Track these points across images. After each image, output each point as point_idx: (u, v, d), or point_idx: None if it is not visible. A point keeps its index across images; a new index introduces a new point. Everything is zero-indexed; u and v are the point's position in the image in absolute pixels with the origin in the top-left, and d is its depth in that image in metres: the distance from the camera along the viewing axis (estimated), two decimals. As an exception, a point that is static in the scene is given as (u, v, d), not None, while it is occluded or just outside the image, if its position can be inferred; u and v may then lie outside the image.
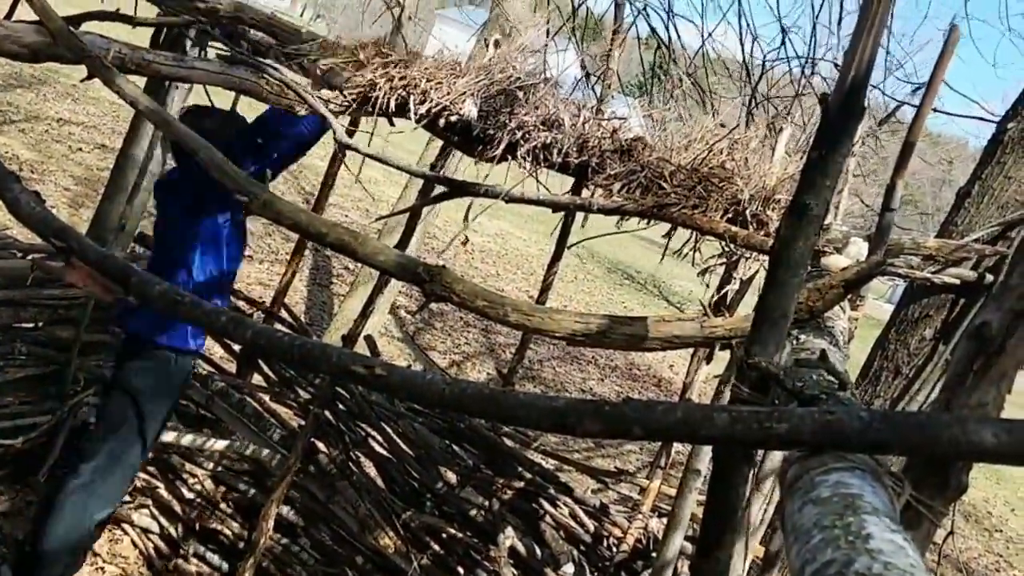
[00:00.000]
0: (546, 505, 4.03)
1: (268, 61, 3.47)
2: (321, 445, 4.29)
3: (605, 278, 18.50)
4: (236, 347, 5.05)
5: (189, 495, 4.47)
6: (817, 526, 0.84)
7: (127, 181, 4.65)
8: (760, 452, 2.04)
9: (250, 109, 4.08)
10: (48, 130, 11.26)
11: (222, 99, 3.92)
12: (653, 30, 6.86)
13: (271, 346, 1.20)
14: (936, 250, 3.19)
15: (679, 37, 6.93)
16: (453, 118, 3.34)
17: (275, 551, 4.25)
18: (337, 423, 4.27)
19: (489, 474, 4.09)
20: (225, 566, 4.33)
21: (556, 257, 4.23)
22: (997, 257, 3.28)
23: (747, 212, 2.88)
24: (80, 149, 11.03)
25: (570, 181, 3.50)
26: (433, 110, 3.33)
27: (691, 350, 3.73)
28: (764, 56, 6.52)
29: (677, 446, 5.78)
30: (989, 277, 3.24)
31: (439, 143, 4.06)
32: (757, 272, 3.14)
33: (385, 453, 4.29)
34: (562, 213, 3.67)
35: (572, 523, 4.01)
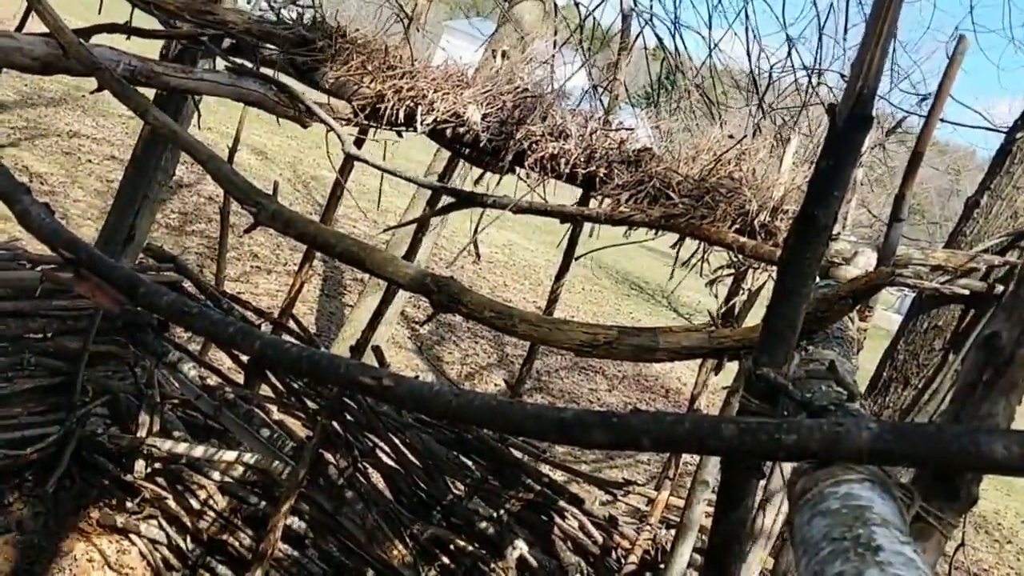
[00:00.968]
0: (554, 517, 4.02)
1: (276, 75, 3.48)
2: (329, 456, 4.29)
3: (613, 289, 18.48)
4: (244, 358, 5.05)
5: (197, 506, 4.47)
6: (826, 538, 0.84)
7: (136, 192, 4.67)
8: (769, 463, 2.04)
9: (259, 120, 4.09)
10: (59, 142, 11.32)
11: (231, 110, 3.94)
12: (660, 40, 6.87)
13: (279, 357, 1.20)
14: (945, 260, 3.18)
15: (685, 48, 6.93)
16: (461, 129, 3.35)
17: (283, 562, 4.25)
18: (345, 434, 4.26)
19: (497, 485, 4.08)
20: (233, 577, 4.33)
21: (564, 268, 4.23)
22: (1007, 267, 3.27)
23: (755, 223, 2.87)
24: (90, 161, 11.08)
25: (578, 192, 3.51)
26: (440, 120, 3.34)
27: (699, 361, 3.72)
28: (771, 67, 6.53)
29: (686, 457, 5.77)
30: (999, 287, 3.22)
31: (447, 154, 4.07)
32: (765, 283, 3.14)
33: (393, 464, 4.28)
34: (570, 224, 3.67)
35: (580, 535, 4.00)
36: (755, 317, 2.04)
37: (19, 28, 3.84)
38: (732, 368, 2.63)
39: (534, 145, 3.29)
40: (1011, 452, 0.82)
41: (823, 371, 1.40)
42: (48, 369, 4.53)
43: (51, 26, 2.77)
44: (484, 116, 3.38)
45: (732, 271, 3.32)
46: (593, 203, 3.41)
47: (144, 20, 3.84)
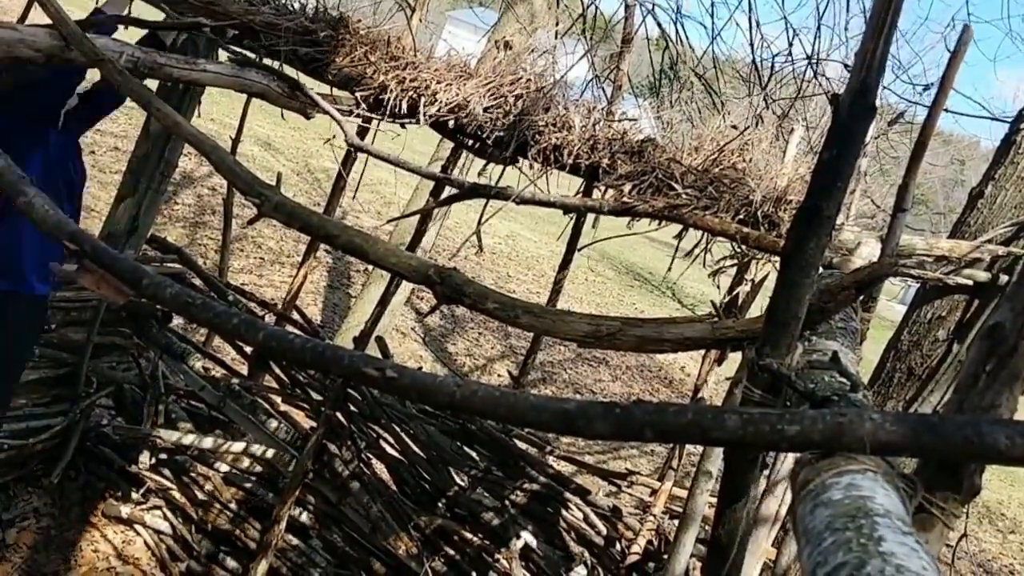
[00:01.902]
0: (559, 508, 4.03)
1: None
2: (333, 447, 4.30)
3: (616, 280, 18.47)
4: (248, 349, 5.06)
5: (202, 497, 4.48)
6: (829, 529, 0.84)
7: (140, 184, 4.67)
8: (772, 454, 2.04)
9: (261, 111, 4.08)
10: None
11: (234, 101, 3.94)
12: (662, 30, 6.85)
13: (283, 348, 1.21)
14: (949, 251, 3.18)
15: (687, 38, 6.91)
16: (464, 120, 3.34)
17: (287, 552, 4.26)
18: (349, 425, 4.27)
19: (501, 476, 4.09)
20: (237, 567, 4.34)
21: (567, 259, 4.23)
22: (1011, 258, 3.26)
23: (758, 213, 2.87)
24: (93, 152, 11.08)
25: (580, 183, 3.50)
26: (442, 111, 3.33)
27: (703, 352, 3.72)
28: (773, 57, 6.50)
29: (690, 447, 5.77)
30: (1003, 278, 3.22)
31: (450, 145, 4.07)
32: (768, 274, 3.13)
33: (397, 455, 4.29)
34: (573, 215, 3.66)
35: (584, 525, 4.00)
36: (758, 308, 2.04)
37: (22, 19, 3.84)
38: (735, 359, 2.63)
39: (537, 136, 3.29)
40: (1014, 442, 0.82)
41: (826, 362, 1.40)
42: (52, 360, 4.55)
43: (54, 17, 2.77)
44: (487, 107, 3.37)
45: (735, 262, 3.32)
46: (596, 194, 3.41)
47: (144, 11, 3.84)
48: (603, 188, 3.27)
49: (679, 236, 3.24)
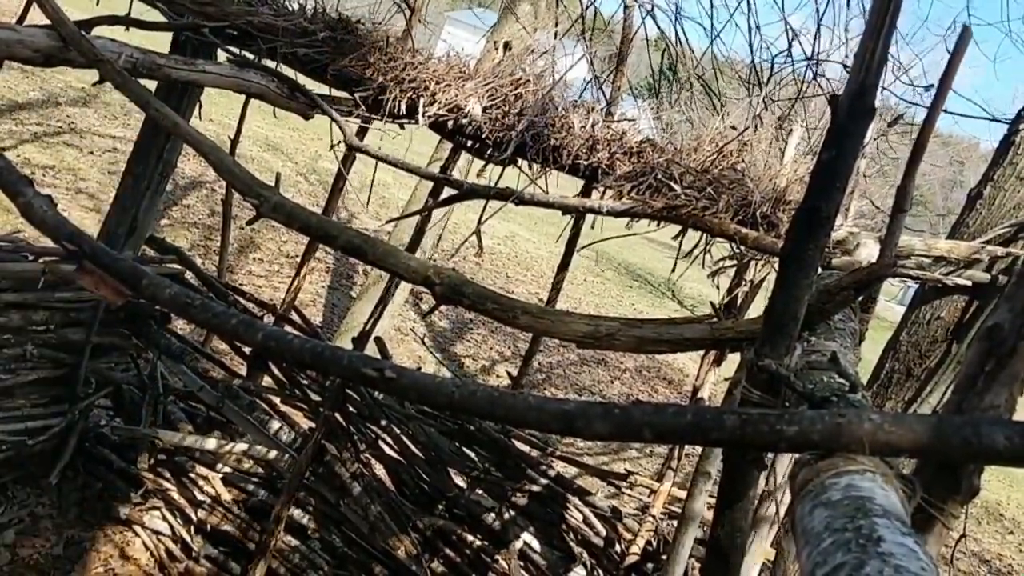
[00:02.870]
0: (559, 509, 4.03)
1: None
2: (332, 448, 4.30)
3: (615, 280, 18.46)
4: (247, 350, 5.06)
5: (201, 497, 4.48)
6: (828, 529, 0.84)
7: (139, 184, 4.67)
8: (771, 454, 2.04)
9: (260, 111, 4.09)
10: (60, 132, 11.32)
11: (233, 102, 3.93)
12: (661, 31, 6.86)
13: (282, 349, 1.21)
14: (948, 252, 3.18)
15: (686, 39, 6.92)
16: (463, 120, 3.35)
17: (286, 553, 4.26)
18: (348, 425, 4.27)
19: (500, 477, 4.09)
20: (236, 568, 4.34)
21: (566, 259, 4.23)
22: (1009, 258, 3.27)
23: (757, 214, 2.87)
24: (92, 153, 11.08)
25: (580, 183, 3.50)
26: (441, 112, 3.33)
27: (702, 352, 3.72)
28: (772, 58, 6.50)
29: (689, 448, 5.77)
30: (1002, 279, 3.22)
31: (450, 145, 4.07)
32: (768, 274, 3.13)
33: (396, 456, 4.29)
34: (572, 215, 3.66)
35: (583, 526, 4.00)
36: (757, 309, 2.03)
37: (20, 20, 3.83)
38: (734, 359, 2.63)
39: (536, 136, 3.29)
40: (1013, 443, 0.82)
41: (825, 362, 1.40)
42: (51, 361, 4.54)
43: (52, 18, 2.77)
44: (486, 108, 3.37)
45: (734, 262, 3.32)
46: (595, 194, 3.41)
47: (144, 12, 3.84)
48: (602, 189, 3.27)
49: (679, 237, 3.24)
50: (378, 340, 4.65)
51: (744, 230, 2.85)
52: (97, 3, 4.03)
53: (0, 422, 4.38)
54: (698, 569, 3.63)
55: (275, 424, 4.53)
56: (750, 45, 6.26)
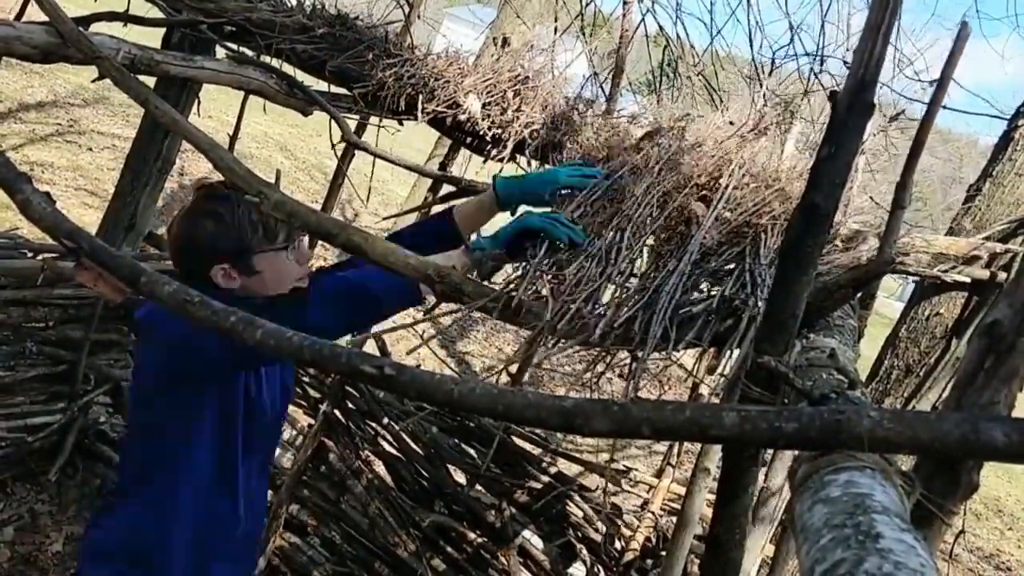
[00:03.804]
0: (559, 506, 4.03)
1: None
2: (331, 444, 4.30)
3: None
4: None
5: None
6: (827, 525, 0.84)
7: (137, 181, 4.66)
8: (770, 451, 2.04)
9: (259, 108, 4.08)
10: (60, 132, 11.31)
11: (232, 98, 3.92)
12: (661, 27, 6.85)
13: (281, 346, 1.20)
14: (947, 248, 3.18)
15: (687, 35, 6.92)
16: (461, 117, 3.34)
17: (285, 550, 4.26)
18: (347, 421, 4.27)
19: (499, 473, 4.09)
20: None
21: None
22: (1009, 255, 3.26)
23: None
24: (90, 149, 11.07)
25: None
26: (440, 108, 3.33)
27: (700, 348, 3.71)
28: (773, 53, 6.50)
29: (688, 445, 5.77)
30: (1001, 275, 3.22)
31: (449, 142, 4.06)
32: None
33: (395, 452, 4.29)
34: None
35: (583, 523, 4.00)
36: (756, 305, 2.02)
37: (18, 16, 3.83)
38: (733, 356, 2.63)
39: (535, 133, 3.28)
40: (1012, 440, 0.82)
41: (824, 359, 1.40)
42: (50, 357, 4.54)
43: (50, 14, 2.76)
44: (485, 104, 3.37)
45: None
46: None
47: (143, 8, 3.83)
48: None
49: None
50: (377, 337, 4.65)
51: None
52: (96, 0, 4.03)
53: (-1, 419, 4.39)
54: (697, 565, 3.63)
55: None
56: (751, 42, 6.26)
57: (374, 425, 4.30)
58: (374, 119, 3.63)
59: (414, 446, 4.22)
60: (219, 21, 3.62)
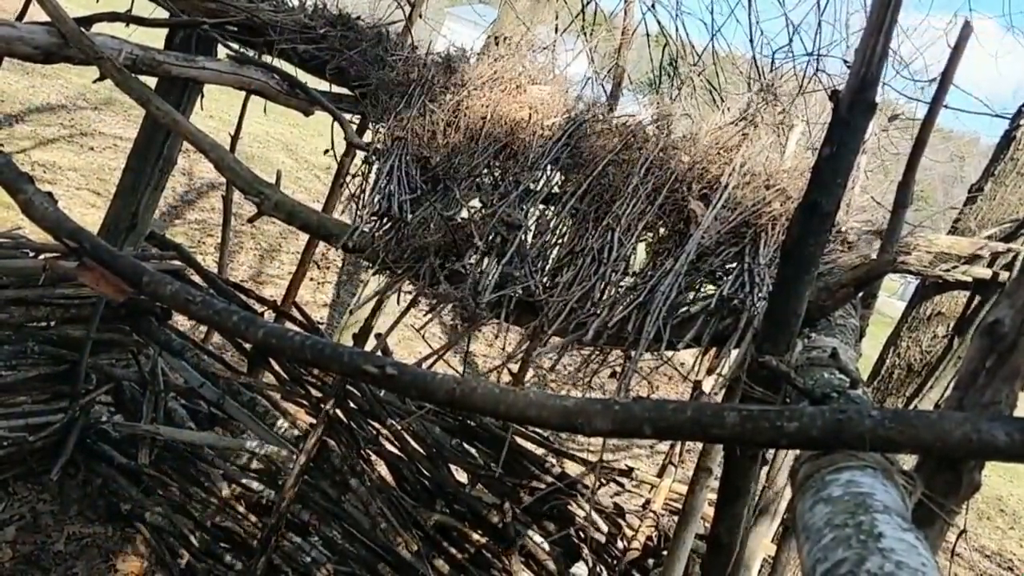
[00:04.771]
0: (562, 506, 4.03)
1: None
2: (332, 443, 4.30)
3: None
4: (247, 346, 5.06)
5: (201, 493, 4.48)
6: (829, 525, 0.84)
7: (139, 181, 4.67)
8: (772, 450, 2.04)
9: (260, 108, 4.08)
10: (65, 131, 11.32)
11: (234, 98, 3.92)
12: (661, 27, 6.85)
13: (282, 346, 1.21)
14: (949, 247, 3.18)
15: (687, 34, 6.92)
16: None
17: (287, 549, 4.26)
18: (348, 421, 4.27)
19: (501, 473, 4.09)
20: (237, 564, 4.35)
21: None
22: (1011, 254, 3.26)
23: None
24: (92, 149, 11.07)
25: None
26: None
27: (702, 348, 3.71)
28: (773, 53, 6.49)
29: (690, 444, 5.77)
30: (1003, 274, 3.22)
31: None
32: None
33: (396, 451, 4.29)
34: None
35: (585, 523, 4.00)
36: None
37: (20, 17, 3.83)
38: (735, 355, 2.63)
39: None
40: (1013, 439, 0.82)
41: (825, 358, 1.40)
42: (52, 357, 4.55)
43: (52, 15, 2.76)
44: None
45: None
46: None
47: (145, 8, 3.83)
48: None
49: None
50: (378, 336, 4.65)
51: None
52: (98, 0, 4.03)
53: (1, 418, 4.39)
54: (699, 565, 3.63)
55: (276, 421, 4.54)
56: (751, 41, 6.25)
57: (376, 425, 4.30)
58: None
59: (416, 445, 4.22)
60: (221, 21, 3.63)
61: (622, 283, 2.04)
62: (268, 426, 4.49)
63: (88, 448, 4.79)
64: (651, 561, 3.85)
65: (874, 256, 2.28)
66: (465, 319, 2.21)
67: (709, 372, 3.40)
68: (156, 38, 3.87)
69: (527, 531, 3.97)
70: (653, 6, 6.54)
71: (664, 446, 8.55)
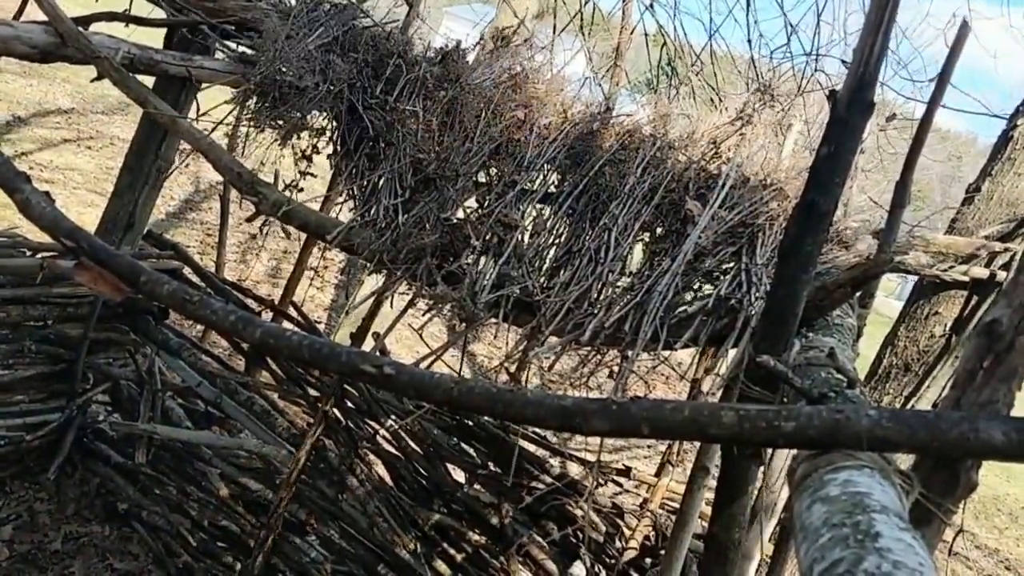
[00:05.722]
0: (558, 505, 4.02)
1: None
2: (329, 443, 4.29)
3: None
4: (245, 345, 5.05)
5: (199, 493, 4.48)
6: (826, 524, 0.84)
7: (136, 180, 4.66)
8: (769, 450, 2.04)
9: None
10: (57, 126, 11.30)
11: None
12: (660, 26, 6.85)
13: (280, 345, 1.21)
14: (946, 247, 3.18)
15: (685, 34, 6.92)
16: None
17: (284, 548, 4.26)
18: (346, 420, 4.27)
19: (498, 472, 4.09)
20: (234, 563, 4.34)
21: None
22: (1008, 254, 3.27)
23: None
24: (89, 148, 11.06)
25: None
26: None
27: (699, 347, 3.71)
28: (771, 52, 6.50)
29: (687, 444, 5.77)
30: (1001, 274, 3.23)
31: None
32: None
33: (394, 451, 4.29)
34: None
35: (583, 523, 4.00)
36: (755, 304, 2.02)
37: (17, 16, 3.83)
38: (732, 355, 2.63)
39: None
40: (1011, 438, 0.82)
41: (823, 358, 1.40)
42: (49, 356, 4.54)
43: (49, 14, 2.76)
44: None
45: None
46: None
47: (143, 8, 3.83)
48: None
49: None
50: (376, 335, 4.65)
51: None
52: (97, 0, 4.02)
53: (-2, 418, 4.39)
54: (696, 564, 3.63)
55: (273, 420, 4.53)
56: (749, 41, 6.26)
57: (373, 424, 4.30)
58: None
59: (413, 445, 4.21)
60: (219, 21, 3.62)
61: (619, 283, 2.04)
62: (266, 425, 4.49)
63: (85, 447, 4.79)
64: (648, 560, 3.85)
65: (872, 256, 2.28)
66: (463, 319, 2.21)
67: (706, 372, 3.40)
68: (155, 38, 3.86)
69: (525, 531, 3.97)
70: (651, 6, 6.55)
71: (663, 445, 8.55)
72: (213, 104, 3.63)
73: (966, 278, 3.31)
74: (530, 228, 2.57)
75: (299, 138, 3.30)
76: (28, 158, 9.66)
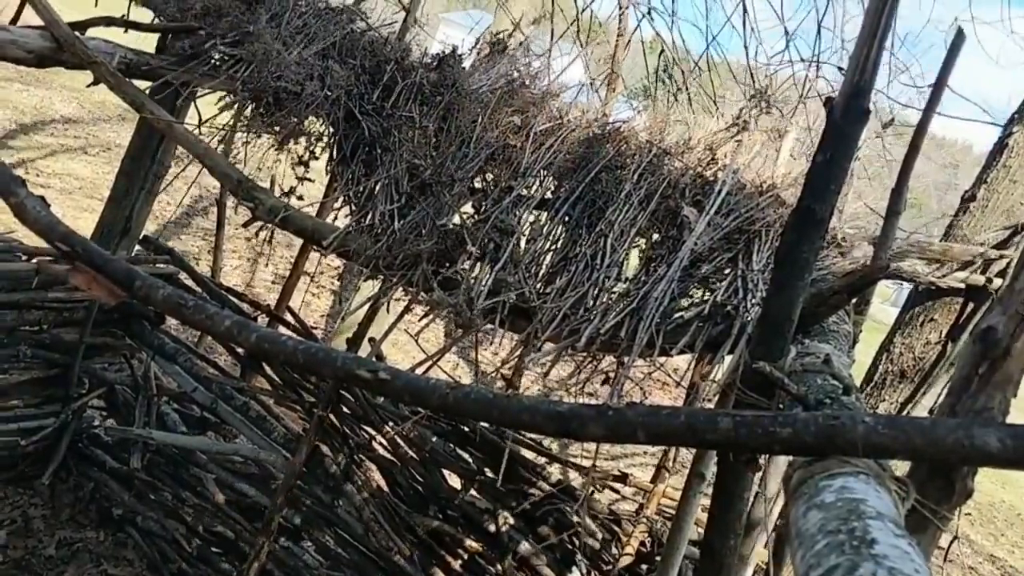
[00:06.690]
0: (557, 512, 4.02)
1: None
2: (325, 448, 4.28)
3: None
4: (240, 350, 5.05)
5: (193, 498, 4.47)
6: (822, 531, 0.84)
7: (132, 185, 4.66)
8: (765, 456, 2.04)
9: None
10: (54, 133, 11.30)
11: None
12: (657, 33, 6.86)
13: (275, 350, 1.20)
14: (942, 254, 3.19)
15: (683, 41, 6.94)
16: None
17: (279, 554, 4.25)
18: (341, 426, 4.26)
19: (494, 478, 4.08)
20: (229, 568, 4.33)
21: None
22: (1003, 261, 3.27)
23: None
24: (86, 152, 11.05)
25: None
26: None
27: (696, 354, 3.72)
28: (768, 59, 6.51)
29: (683, 450, 5.76)
30: (996, 281, 3.23)
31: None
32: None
33: (390, 457, 4.28)
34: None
35: (579, 529, 3.99)
36: (751, 310, 2.02)
37: (14, 21, 3.82)
38: (728, 361, 2.63)
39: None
40: (1006, 445, 0.82)
41: (819, 364, 1.40)
42: (44, 361, 4.53)
43: (46, 19, 2.76)
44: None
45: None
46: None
47: (141, 14, 3.83)
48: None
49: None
50: (372, 341, 4.64)
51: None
52: (96, 4, 4.02)
53: (-7, 423, 4.38)
54: (692, 571, 3.63)
55: (269, 425, 4.52)
56: (745, 47, 6.27)
57: (369, 430, 4.29)
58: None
59: (409, 451, 4.21)
60: (215, 27, 3.62)
61: (615, 289, 2.04)
62: (261, 431, 4.48)
63: (80, 452, 4.78)
64: (645, 567, 3.85)
65: (868, 262, 2.28)
66: (459, 325, 2.21)
67: (703, 378, 3.40)
68: (152, 44, 3.86)
69: (522, 537, 3.96)
70: (649, 12, 6.56)
71: (660, 452, 8.54)
72: (212, 111, 3.63)
73: (962, 285, 3.32)
74: (526, 234, 2.58)
75: (296, 143, 3.30)
76: (27, 164, 9.65)
